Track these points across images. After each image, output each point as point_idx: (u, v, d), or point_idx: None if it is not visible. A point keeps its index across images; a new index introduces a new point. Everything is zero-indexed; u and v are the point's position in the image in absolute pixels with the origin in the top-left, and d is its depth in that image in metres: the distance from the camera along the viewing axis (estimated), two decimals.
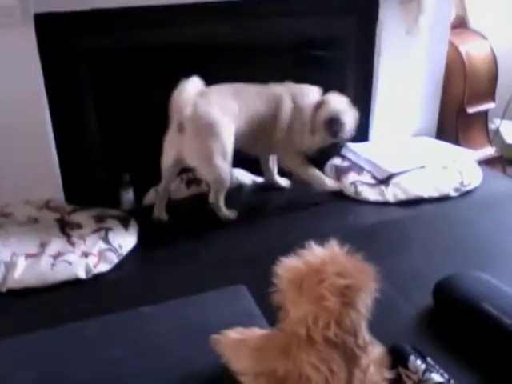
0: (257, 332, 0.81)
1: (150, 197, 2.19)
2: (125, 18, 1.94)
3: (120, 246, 1.76)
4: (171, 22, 2.05)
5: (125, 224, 1.88)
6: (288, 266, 0.74)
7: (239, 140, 1.87)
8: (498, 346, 0.86)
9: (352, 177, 2.18)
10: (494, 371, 0.84)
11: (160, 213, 1.99)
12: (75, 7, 1.85)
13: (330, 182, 2.09)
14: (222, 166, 1.84)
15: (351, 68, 2.38)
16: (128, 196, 2.13)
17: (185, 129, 1.78)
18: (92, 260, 1.67)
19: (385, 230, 1.23)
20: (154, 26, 2.02)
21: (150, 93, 2.25)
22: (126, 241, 1.80)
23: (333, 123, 1.90)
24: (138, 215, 1.98)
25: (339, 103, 1.97)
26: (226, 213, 1.95)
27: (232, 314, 0.94)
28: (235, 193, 2.24)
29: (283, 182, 2.19)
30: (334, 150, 2.13)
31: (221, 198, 1.91)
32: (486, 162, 2.55)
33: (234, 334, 0.82)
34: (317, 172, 2.07)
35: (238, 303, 0.97)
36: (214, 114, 1.82)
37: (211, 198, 1.92)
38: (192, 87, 1.85)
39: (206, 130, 1.80)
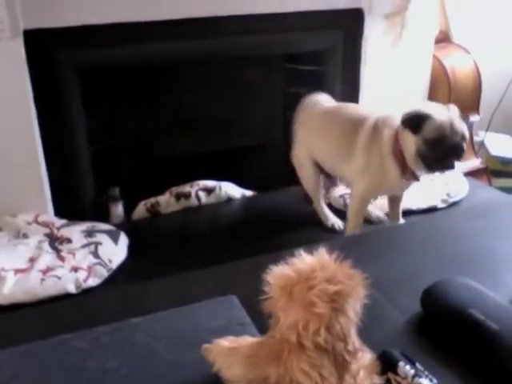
0: (248, 340, 0.82)
1: (140, 211, 2.19)
2: (115, 33, 1.96)
3: (110, 261, 1.77)
4: (162, 38, 2.08)
5: (114, 238, 1.89)
6: (278, 273, 0.74)
7: None
8: (486, 351, 0.87)
9: (341, 190, 2.20)
10: (481, 376, 0.84)
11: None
12: (65, 23, 1.87)
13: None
14: None
15: (337, 82, 2.42)
16: (117, 210, 2.13)
17: None
18: (82, 274, 1.68)
19: (373, 240, 1.24)
20: (145, 42, 2.04)
21: (139, 107, 2.27)
22: (115, 255, 1.81)
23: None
24: (128, 229, 1.99)
25: None
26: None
27: (223, 323, 0.94)
28: (225, 206, 2.26)
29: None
30: None
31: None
32: (471, 174, 2.59)
33: (225, 342, 0.83)
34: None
35: (229, 313, 0.97)
36: None
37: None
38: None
39: None
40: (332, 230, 2.05)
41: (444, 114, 1.72)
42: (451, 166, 1.75)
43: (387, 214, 2.06)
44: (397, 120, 1.79)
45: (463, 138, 1.72)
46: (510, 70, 3.14)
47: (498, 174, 2.90)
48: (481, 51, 2.88)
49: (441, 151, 1.70)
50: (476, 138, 2.94)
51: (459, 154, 1.73)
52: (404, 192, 1.96)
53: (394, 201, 2.00)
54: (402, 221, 2.00)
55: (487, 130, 3.05)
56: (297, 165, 2.10)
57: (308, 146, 2.04)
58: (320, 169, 2.06)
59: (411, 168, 1.78)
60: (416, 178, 1.83)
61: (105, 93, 2.14)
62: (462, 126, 1.72)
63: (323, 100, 2.09)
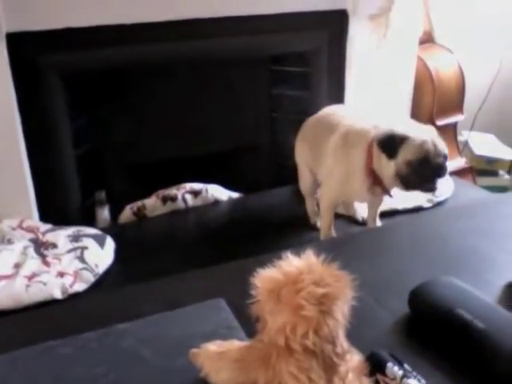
0: (236, 344, 0.82)
1: (126, 214, 2.18)
2: (99, 36, 1.94)
3: (96, 265, 1.75)
4: (146, 40, 2.07)
5: (101, 242, 1.87)
6: (265, 276, 0.74)
7: None
8: (473, 351, 0.88)
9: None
10: (470, 375, 0.85)
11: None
12: (49, 26, 1.86)
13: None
14: None
15: (323, 83, 2.42)
16: (104, 214, 2.12)
17: None
18: (68, 280, 1.66)
19: (360, 241, 1.25)
20: (129, 44, 2.03)
21: (125, 110, 2.26)
22: (102, 259, 1.80)
23: None
24: (114, 233, 1.97)
25: None
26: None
27: (210, 327, 0.94)
28: (212, 208, 2.25)
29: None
30: None
31: None
32: (456, 173, 2.62)
33: (213, 346, 0.82)
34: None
35: (217, 316, 0.97)
36: None
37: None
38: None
39: None
40: (309, 224, 2.08)
41: (424, 133, 1.67)
42: (434, 188, 1.70)
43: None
44: (370, 135, 1.73)
45: (445, 157, 1.66)
46: (493, 70, 3.17)
47: (482, 173, 2.93)
48: (464, 51, 2.91)
49: (424, 173, 1.64)
50: (460, 138, 2.97)
51: (442, 175, 1.67)
52: (380, 200, 1.96)
53: (372, 205, 2.00)
54: (378, 223, 2.02)
55: (471, 129, 3.08)
56: (297, 164, 2.12)
57: (302, 149, 2.06)
58: None
59: (387, 187, 1.75)
60: (388, 194, 1.81)
61: (90, 96, 2.13)
62: (443, 146, 1.66)
63: (336, 109, 2.06)
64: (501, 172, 3.02)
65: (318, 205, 2.15)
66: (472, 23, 3.09)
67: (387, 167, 1.67)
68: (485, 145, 3.02)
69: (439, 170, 1.65)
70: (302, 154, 2.06)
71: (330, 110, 2.03)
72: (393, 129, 1.67)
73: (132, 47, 2.04)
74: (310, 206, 2.13)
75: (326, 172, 1.88)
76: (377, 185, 1.75)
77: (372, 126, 1.76)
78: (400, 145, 1.62)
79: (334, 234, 1.94)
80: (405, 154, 1.63)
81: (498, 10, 3.15)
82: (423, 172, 1.63)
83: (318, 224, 2.06)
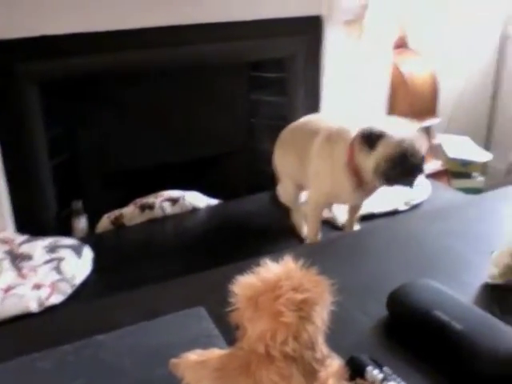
0: (216, 352, 0.81)
1: (104, 223, 2.16)
2: (75, 44, 1.93)
3: (73, 276, 1.73)
4: (123, 47, 2.06)
5: (78, 252, 1.85)
6: (244, 283, 0.74)
7: None
8: (451, 352, 0.89)
9: (303, 196, 2.22)
10: (448, 376, 0.86)
11: None
12: (24, 34, 1.84)
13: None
14: None
15: (300, 88, 2.44)
16: (81, 224, 2.10)
17: None
18: (44, 292, 1.64)
19: (339, 245, 1.25)
20: (105, 52, 2.02)
21: (101, 118, 2.24)
22: (79, 270, 1.78)
23: None
24: (92, 243, 1.95)
25: None
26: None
27: (191, 336, 0.93)
28: (190, 216, 2.24)
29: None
30: None
31: None
32: (432, 176, 2.66)
33: (194, 356, 0.81)
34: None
35: (197, 325, 0.96)
36: None
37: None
38: None
39: None
40: (298, 237, 2.06)
41: (406, 130, 1.72)
42: (410, 184, 1.75)
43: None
44: (351, 133, 1.78)
45: (423, 158, 1.72)
46: (466, 74, 3.23)
47: (457, 175, 2.97)
48: (436, 55, 2.96)
49: (401, 169, 1.69)
50: (435, 141, 3.01)
51: (419, 173, 1.73)
52: (361, 203, 1.98)
53: (352, 209, 2.02)
54: (357, 227, 2.03)
55: (446, 132, 3.13)
56: (278, 174, 2.12)
57: (282, 157, 2.06)
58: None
59: (368, 182, 1.78)
60: (371, 191, 1.84)
61: (66, 104, 2.11)
62: (422, 144, 1.72)
63: (315, 117, 2.09)
64: (474, 174, 3.07)
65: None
66: (443, 26, 3.15)
67: (367, 162, 1.71)
68: (459, 147, 3.07)
69: (416, 168, 1.71)
70: (283, 162, 2.05)
71: (309, 118, 2.04)
72: (373, 125, 1.72)
73: (108, 55, 2.03)
74: (296, 218, 2.10)
75: (313, 173, 1.89)
76: (360, 183, 1.78)
77: (354, 125, 1.80)
78: (379, 139, 1.67)
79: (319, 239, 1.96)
80: (383, 149, 1.67)
81: (470, 16, 3.21)
82: (401, 168, 1.68)
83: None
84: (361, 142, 1.71)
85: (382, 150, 1.68)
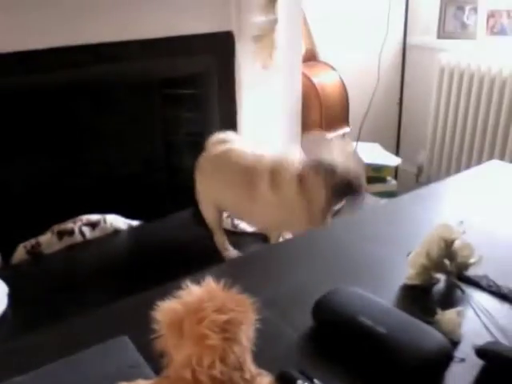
0: (142, 383, 0.78)
1: (19, 254, 2.06)
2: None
3: None
4: (35, 67, 1.99)
5: None
6: (165, 309, 0.72)
7: None
8: (376, 355, 0.91)
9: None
10: (380, 381, 0.88)
11: None
12: None
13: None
14: None
15: (215, 105, 2.45)
16: None
17: None
18: None
19: (261, 259, 1.26)
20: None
21: (14, 140, 2.13)
22: None
23: None
24: (7, 276, 1.85)
25: None
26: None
27: (114, 367, 0.89)
28: (111, 239, 2.17)
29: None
30: None
31: None
32: None
33: None
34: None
35: (121, 355, 0.93)
36: None
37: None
38: None
39: None
40: (221, 255, 2.07)
41: (344, 154, 1.91)
42: (359, 202, 1.96)
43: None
44: (294, 161, 1.91)
45: (362, 175, 1.93)
46: (373, 83, 3.38)
47: (371, 180, 3.09)
48: (345, 67, 3.07)
49: (350, 193, 1.91)
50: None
51: (363, 191, 1.95)
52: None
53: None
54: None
55: (357, 140, 3.25)
56: (199, 200, 2.11)
57: (204, 185, 2.06)
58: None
59: (319, 210, 1.92)
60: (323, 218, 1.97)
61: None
62: (360, 165, 1.95)
63: (225, 139, 2.11)
64: (388, 178, 3.21)
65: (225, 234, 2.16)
66: (351, 38, 3.28)
67: (320, 191, 1.88)
68: (369, 153, 3.20)
69: (360, 189, 1.93)
70: (205, 190, 2.06)
71: (228, 148, 2.05)
72: (321, 157, 1.89)
73: (20, 75, 1.95)
74: (219, 239, 2.15)
75: (286, 216, 1.94)
76: (311, 211, 1.93)
77: (287, 157, 1.96)
78: (328, 170, 1.86)
79: None
80: (333, 180, 1.87)
81: (373, 28, 3.37)
82: (349, 192, 1.92)
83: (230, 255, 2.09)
84: (311, 173, 1.86)
85: (331, 181, 1.86)
